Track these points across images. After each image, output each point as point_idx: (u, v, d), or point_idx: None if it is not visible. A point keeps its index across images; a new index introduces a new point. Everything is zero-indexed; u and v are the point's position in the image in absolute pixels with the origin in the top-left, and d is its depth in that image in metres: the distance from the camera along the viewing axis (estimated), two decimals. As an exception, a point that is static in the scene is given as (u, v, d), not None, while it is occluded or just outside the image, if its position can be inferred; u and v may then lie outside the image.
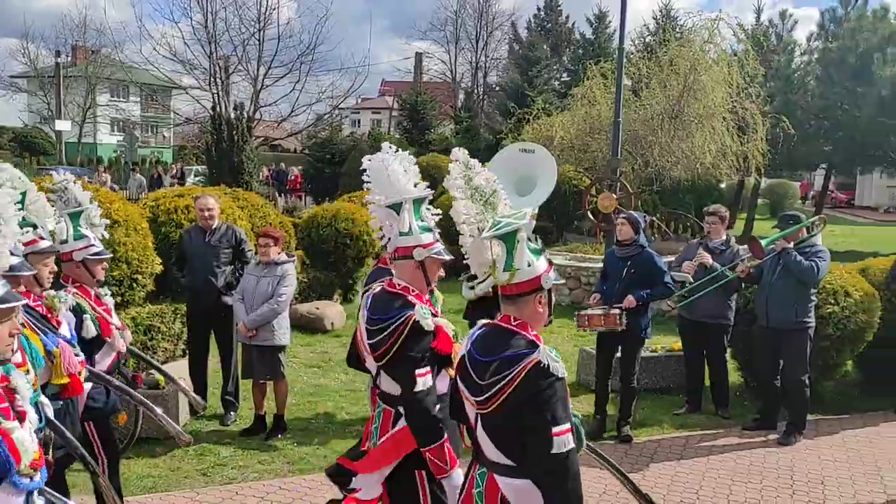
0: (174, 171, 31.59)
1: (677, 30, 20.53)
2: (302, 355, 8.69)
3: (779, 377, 6.66)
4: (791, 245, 6.44)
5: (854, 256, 12.68)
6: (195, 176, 27.16)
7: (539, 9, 41.63)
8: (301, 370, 8.11)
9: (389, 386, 3.55)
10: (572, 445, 2.70)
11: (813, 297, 6.52)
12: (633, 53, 20.45)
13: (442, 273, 3.73)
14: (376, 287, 3.67)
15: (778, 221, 6.87)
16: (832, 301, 7.02)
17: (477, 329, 2.95)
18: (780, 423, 6.72)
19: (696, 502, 5.37)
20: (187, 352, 7.18)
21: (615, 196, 12.04)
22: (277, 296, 6.14)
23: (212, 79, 29.84)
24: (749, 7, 59.01)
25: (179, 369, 6.79)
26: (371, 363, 3.62)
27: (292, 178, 31.09)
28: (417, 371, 3.35)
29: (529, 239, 2.86)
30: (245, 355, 6.41)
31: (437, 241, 3.65)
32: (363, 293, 4.10)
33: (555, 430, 2.65)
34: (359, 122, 58.70)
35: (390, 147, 3.82)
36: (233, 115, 20.21)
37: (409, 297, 3.47)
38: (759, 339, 6.80)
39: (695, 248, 7.23)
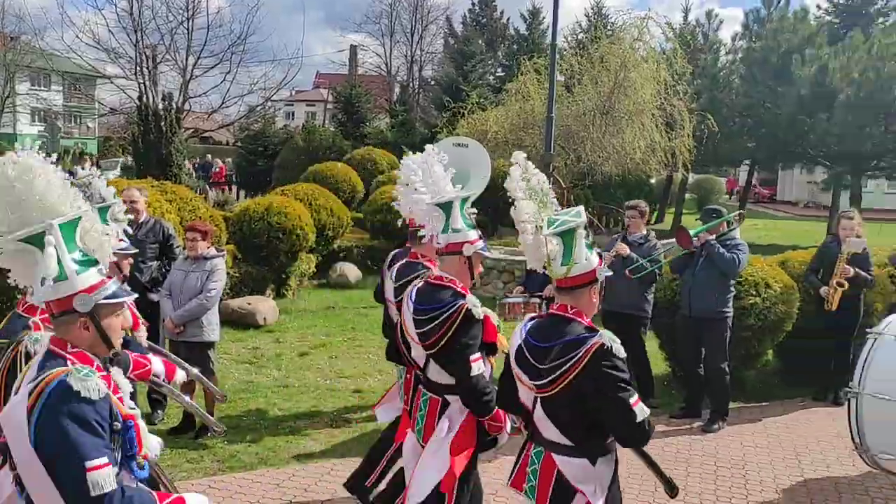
0: (86, 163, 29.91)
1: (608, 27, 20.93)
2: (233, 351, 8.54)
3: (701, 366, 6.88)
4: (713, 238, 6.65)
5: (775, 249, 13.19)
6: (121, 169, 26.20)
7: (474, 4, 41.80)
8: (232, 366, 7.97)
9: (437, 375, 3.74)
10: (648, 412, 2.98)
11: (732, 288, 6.76)
12: (565, 50, 20.74)
13: (481, 269, 3.95)
14: (418, 281, 3.88)
15: (701, 214, 7.09)
16: (754, 292, 7.26)
17: (528, 320, 3.23)
18: (705, 410, 6.94)
19: (624, 489, 5.49)
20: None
21: (548, 190, 12.19)
22: (206, 291, 6.01)
23: (138, 68, 28.90)
24: (677, 6, 60.54)
25: (104, 367, 6.59)
26: (419, 353, 3.80)
27: (216, 170, 30.22)
28: (471, 357, 3.56)
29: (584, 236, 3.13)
30: (173, 352, 6.24)
31: (481, 238, 3.89)
32: (396, 287, 4.36)
33: (632, 401, 2.92)
34: (293, 114, 57.88)
35: (434, 148, 4.15)
36: (161, 106, 19.66)
37: (458, 289, 3.69)
38: (682, 328, 7.01)
39: (615, 241, 7.42)
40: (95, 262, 2.61)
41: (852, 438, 5.22)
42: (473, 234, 3.80)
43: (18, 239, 2.51)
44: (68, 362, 2.46)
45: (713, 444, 6.41)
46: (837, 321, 7.34)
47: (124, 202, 6.48)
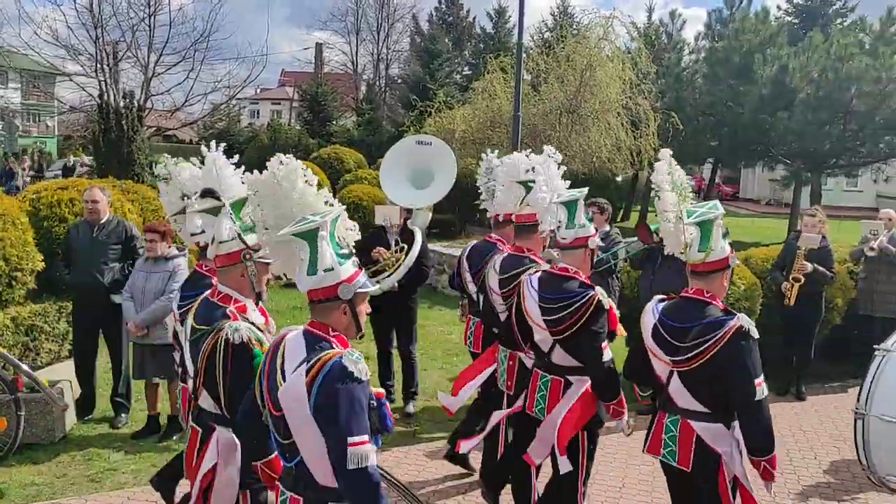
0: (25, 163, 28.57)
1: (574, 27, 21.02)
2: (198, 353, 8.41)
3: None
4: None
5: (738, 246, 13.32)
6: (63, 169, 25.19)
7: (440, 2, 41.76)
8: (197, 368, 7.85)
9: (562, 359, 4.02)
10: (767, 393, 3.29)
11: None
12: (532, 49, 20.82)
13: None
14: (538, 272, 4.19)
15: (662, 210, 7.16)
16: (718, 289, 7.34)
17: (657, 303, 3.58)
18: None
19: (595, 481, 5.53)
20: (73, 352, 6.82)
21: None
22: (169, 292, 5.90)
23: (98, 65, 28.25)
24: (642, 6, 61.11)
25: (65, 371, 6.46)
26: (543, 338, 4.04)
27: (167, 171, 29.31)
28: (603, 345, 3.86)
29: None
30: (137, 355, 6.15)
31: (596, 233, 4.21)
32: (501, 279, 4.59)
33: (756, 380, 3.24)
34: (258, 112, 57.30)
35: (553, 151, 4.46)
36: (122, 104, 19.29)
37: (583, 279, 3.97)
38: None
39: None
40: (350, 255, 2.88)
41: (859, 460, 4.95)
42: (592, 230, 4.12)
43: (293, 234, 2.78)
44: (333, 344, 2.72)
45: (679, 440, 6.47)
46: (799, 317, 7.45)
47: (85, 202, 6.42)
